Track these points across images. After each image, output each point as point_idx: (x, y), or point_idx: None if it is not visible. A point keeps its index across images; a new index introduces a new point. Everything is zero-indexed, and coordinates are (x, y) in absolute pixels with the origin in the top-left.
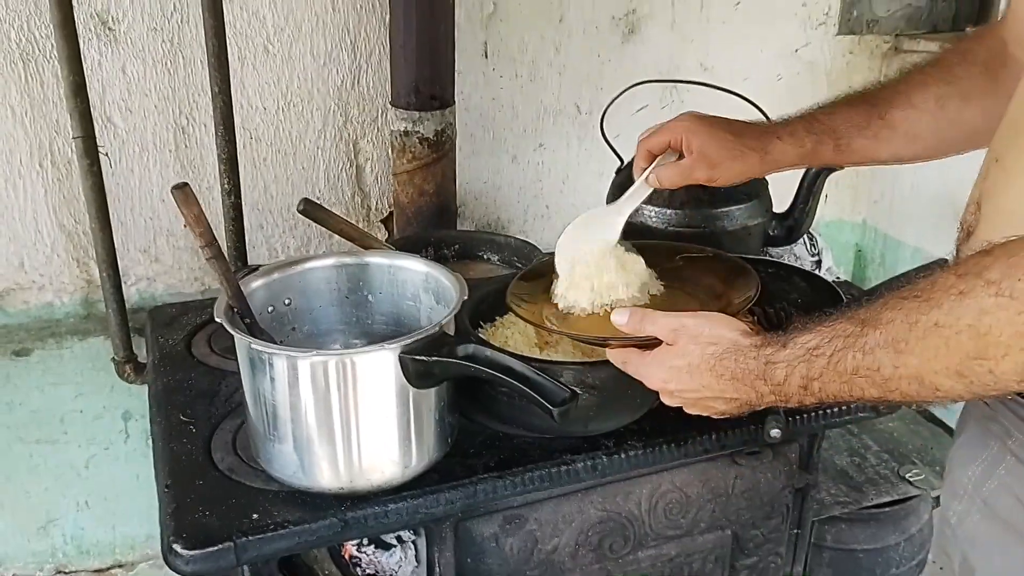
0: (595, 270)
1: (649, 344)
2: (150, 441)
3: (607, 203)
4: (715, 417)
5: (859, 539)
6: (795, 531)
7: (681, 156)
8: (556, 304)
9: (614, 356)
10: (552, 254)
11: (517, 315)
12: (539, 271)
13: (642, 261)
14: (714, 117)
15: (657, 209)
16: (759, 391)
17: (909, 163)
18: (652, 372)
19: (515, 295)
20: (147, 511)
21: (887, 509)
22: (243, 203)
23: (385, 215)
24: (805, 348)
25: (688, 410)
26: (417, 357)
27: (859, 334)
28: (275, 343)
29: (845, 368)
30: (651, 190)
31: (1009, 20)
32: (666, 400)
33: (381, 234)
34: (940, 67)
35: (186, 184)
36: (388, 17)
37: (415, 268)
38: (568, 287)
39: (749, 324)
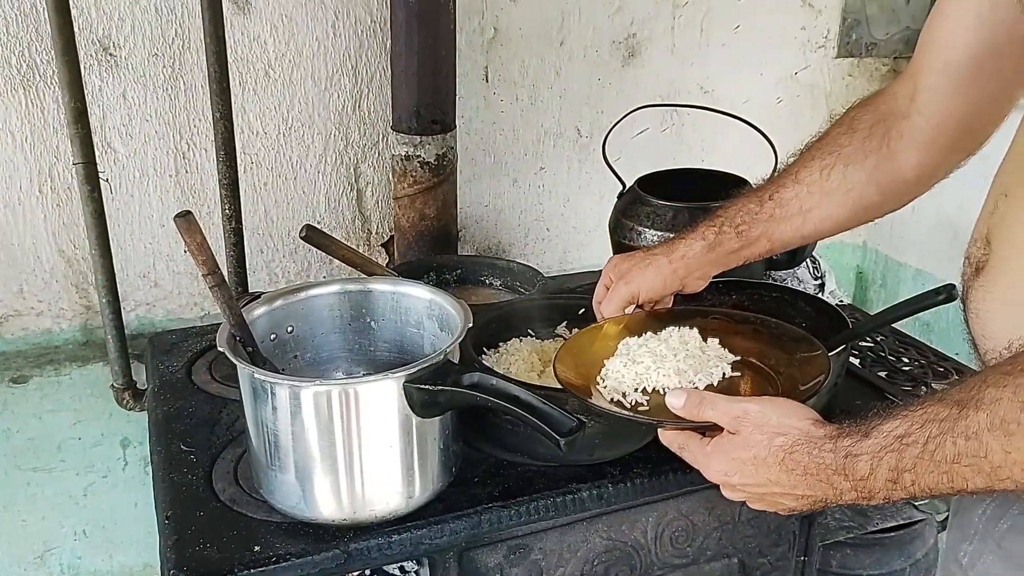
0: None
1: (707, 428)
2: (148, 469)
3: (611, 227)
4: (782, 514)
5: (864, 564)
6: (802, 558)
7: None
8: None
9: (669, 439)
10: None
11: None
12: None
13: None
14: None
15: (660, 235)
16: (837, 488)
17: (819, 239)
18: (713, 463)
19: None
20: (145, 540)
21: (892, 534)
22: (244, 228)
23: (386, 239)
24: (893, 437)
25: (752, 505)
26: (422, 386)
27: (958, 417)
28: (278, 372)
29: (944, 456)
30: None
31: (915, 73)
32: (727, 494)
33: (382, 258)
34: (824, 139)
35: (189, 212)
36: (389, 42)
37: (419, 295)
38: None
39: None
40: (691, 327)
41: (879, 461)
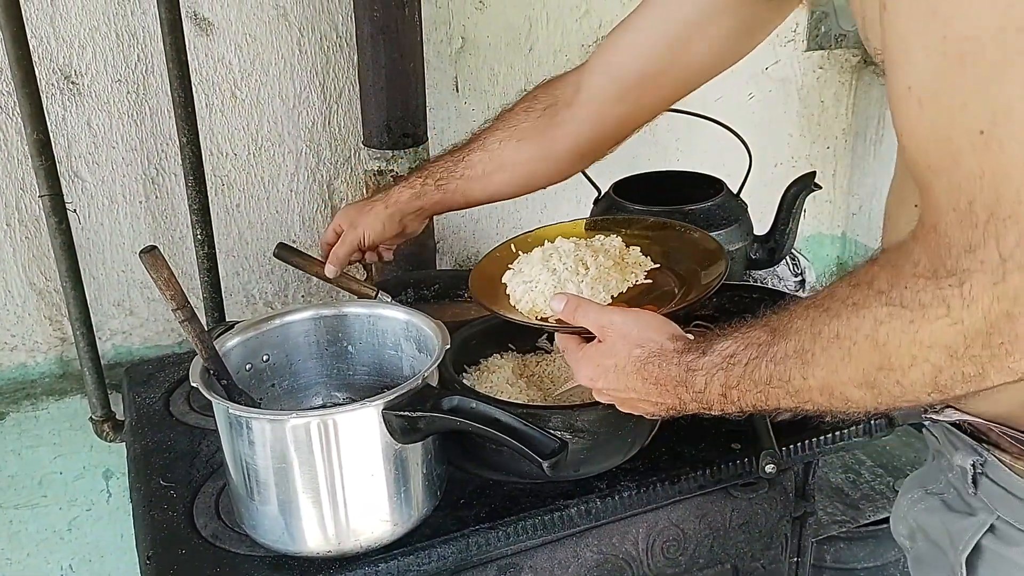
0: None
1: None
2: None
3: None
4: (646, 416)
5: (859, 557)
6: (795, 559)
7: None
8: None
9: (559, 340)
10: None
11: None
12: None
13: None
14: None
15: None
16: (681, 398)
17: (500, 200)
18: (582, 367)
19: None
20: (133, 571)
21: (885, 525)
22: (218, 251)
23: None
24: (723, 355)
25: (620, 408)
26: (401, 413)
27: (770, 343)
28: (254, 404)
29: (760, 377)
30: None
31: (587, 69)
32: (596, 397)
33: (360, 274)
34: (510, 112)
35: (154, 247)
36: (356, 57)
37: (395, 317)
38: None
39: (688, 328)
40: (615, 235)
41: (712, 377)
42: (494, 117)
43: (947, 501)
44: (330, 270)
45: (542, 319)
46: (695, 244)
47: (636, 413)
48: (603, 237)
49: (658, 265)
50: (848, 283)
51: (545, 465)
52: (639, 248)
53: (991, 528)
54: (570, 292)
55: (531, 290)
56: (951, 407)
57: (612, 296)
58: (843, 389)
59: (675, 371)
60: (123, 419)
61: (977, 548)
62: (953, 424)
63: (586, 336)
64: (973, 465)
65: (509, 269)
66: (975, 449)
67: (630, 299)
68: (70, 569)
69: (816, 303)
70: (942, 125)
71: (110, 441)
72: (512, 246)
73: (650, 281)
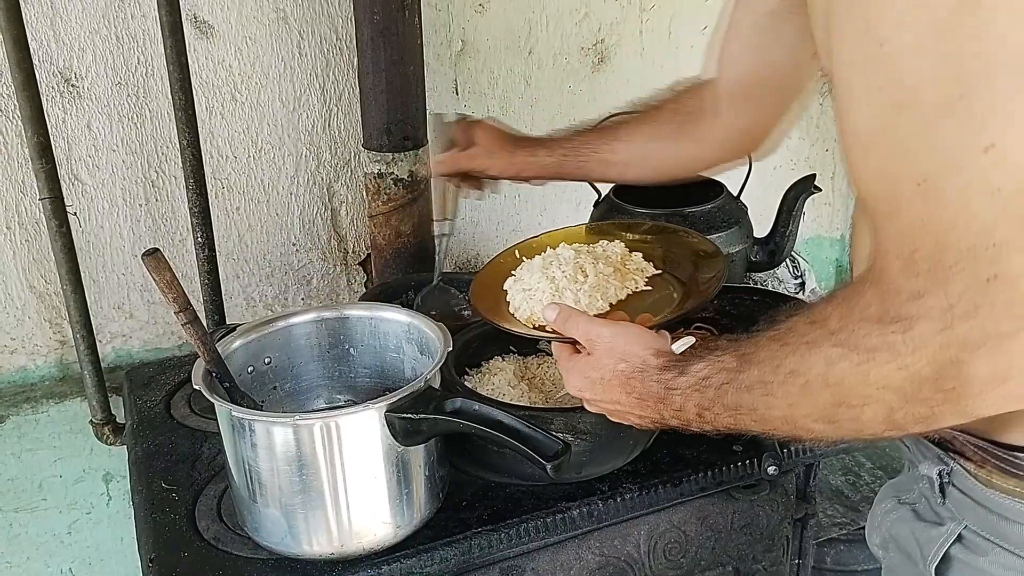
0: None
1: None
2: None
3: None
4: (636, 427)
5: (859, 560)
6: (796, 561)
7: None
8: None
9: (553, 348)
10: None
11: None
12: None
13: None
14: (504, 125)
15: None
16: (662, 414)
17: (633, 183)
18: (571, 378)
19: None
20: (134, 575)
21: None
22: (218, 254)
23: (363, 258)
24: (698, 377)
25: (610, 418)
26: (403, 415)
27: (738, 370)
28: (257, 406)
29: (730, 402)
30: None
31: (715, 74)
32: (587, 407)
33: (360, 277)
34: (655, 111)
35: (156, 250)
36: (356, 60)
37: (397, 319)
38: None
39: (689, 330)
40: (618, 241)
41: (687, 397)
42: (637, 109)
43: (918, 511)
44: (437, 167)
45: (540, 327)
46: (694, 248)
47: (628, 424)
48: (606, 243)
49: (660, 271)
50: (805, 319)
51: (549, 467)
52: (641, 254)
53: (959, 537)
54: (567, 300)
55: (529, 298)
56: None
57: (610, 303)
58: (804, 422)
59: (655, 388)
60: (123, 422)
61: (946, 558)
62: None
63: (579, 346)
64: (940, 474)
65: (511, 275)
66: (941, 458)
67: (629, 305)
68: (70, 572)
69: (778, 336)
70: (885, 172)
71: (110, 444)
72: (516, 252)
73: (650, 288)
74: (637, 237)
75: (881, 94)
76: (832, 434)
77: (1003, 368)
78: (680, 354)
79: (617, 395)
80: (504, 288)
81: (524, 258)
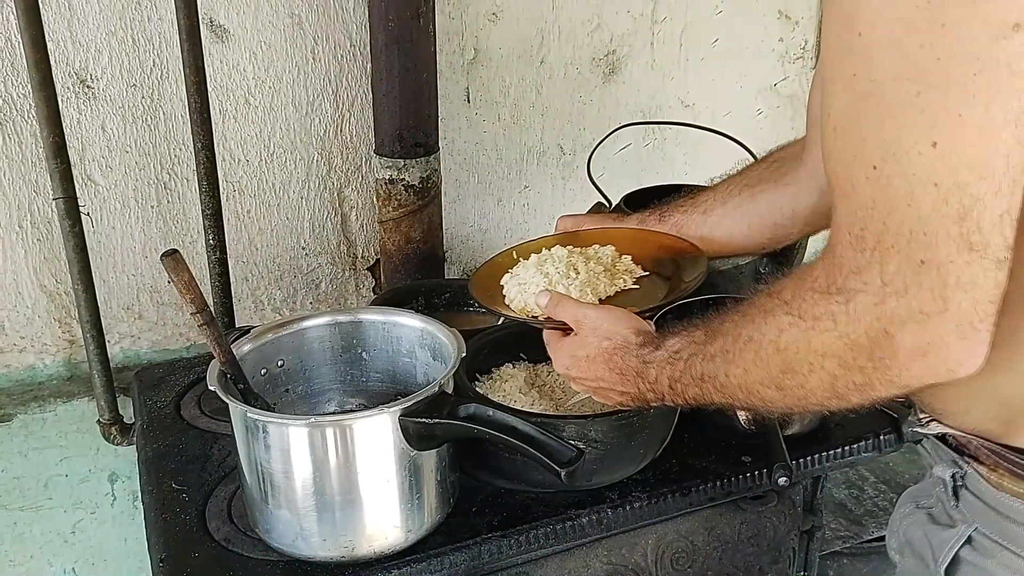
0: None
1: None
2: (138, 503)
3: None
4: (619, 406)
5: (862, 573)
6: (802, 573)
7: None
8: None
9: (544, 335)
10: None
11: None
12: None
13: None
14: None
15: None
16: (641, 388)
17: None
18: (559, 357)
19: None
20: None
21: None
22: (228, 257)
23: (372, 263)
24: (671, 351)
25: (594, 397)
26: (417, 419)
27: (704, 341)
28: (270, 408)
29: (697, 373)
30: None
31: (808, 146)
32: (573, 386)
33: (368, 282)
34: (754, 167)
35: (176, 251)
36: (370, 66)
37: (410, 324)
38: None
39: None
40: (609, 244)
41: (661, 371)
42: (742, 176)
43: (933, 514)
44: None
45: (533, 317)
46: (678, 250)
47: (609, 402)
48: (598, 246)
49: (647, 273)
50: (766, 292)
51: (563, 474)
52: (631, 256)
53: (969, 539)
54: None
55: (524, 291)
56: (935, 420)
57: (599, 299)
58: (758, 389)
59: (634, 363)
60: (130, 422)
61: (955, 559)
62: (939, 437)
63: (567, 331)
64: (953, 477)
65: (508, 273)
66: (955, 461)
67: (617, 300)
68: (73, 572)
69: (741, 308)
70: (847, 154)
71: (117, 444)
72: (514, 252)
73: (638, 287)
74: (624, 240)
75: (854, 81)
76: (781, 401)
77: (923, 343)
78: (659, 332)
79: (600, 371)
80: (501, 283)
81: (521, 258)
